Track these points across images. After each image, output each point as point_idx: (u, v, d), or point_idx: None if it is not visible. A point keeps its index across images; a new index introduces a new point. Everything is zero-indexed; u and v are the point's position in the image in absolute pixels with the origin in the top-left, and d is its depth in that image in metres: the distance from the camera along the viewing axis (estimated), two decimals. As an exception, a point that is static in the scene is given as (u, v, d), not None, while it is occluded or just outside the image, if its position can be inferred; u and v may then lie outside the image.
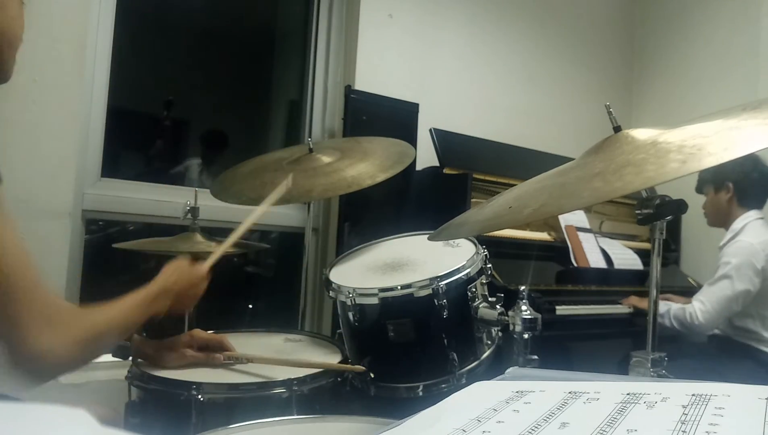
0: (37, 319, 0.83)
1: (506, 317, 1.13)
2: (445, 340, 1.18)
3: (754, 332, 2.30)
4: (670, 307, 2.35)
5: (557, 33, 3.37)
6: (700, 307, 2.26)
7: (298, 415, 1.02)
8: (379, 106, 2.52)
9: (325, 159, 1.61)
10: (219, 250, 1.24)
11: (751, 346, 2.31)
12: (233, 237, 1.27)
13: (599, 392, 0.54)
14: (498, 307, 1.18)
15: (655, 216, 0.98)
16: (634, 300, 2.49)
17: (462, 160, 2.51)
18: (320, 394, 1.13)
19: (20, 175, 1.81)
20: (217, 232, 1.95)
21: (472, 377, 1.19)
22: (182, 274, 1.11)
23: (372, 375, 1.21)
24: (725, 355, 2.40)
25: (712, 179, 2.46)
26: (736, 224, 2.38)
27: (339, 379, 1.19)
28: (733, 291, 2.24)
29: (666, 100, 3.58)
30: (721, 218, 2.46)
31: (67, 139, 1.90)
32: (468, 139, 2.69)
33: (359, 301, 1.20)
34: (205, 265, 1.16)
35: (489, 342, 1.26)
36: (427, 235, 1.22)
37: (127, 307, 1.00)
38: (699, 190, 2.52)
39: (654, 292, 1.03)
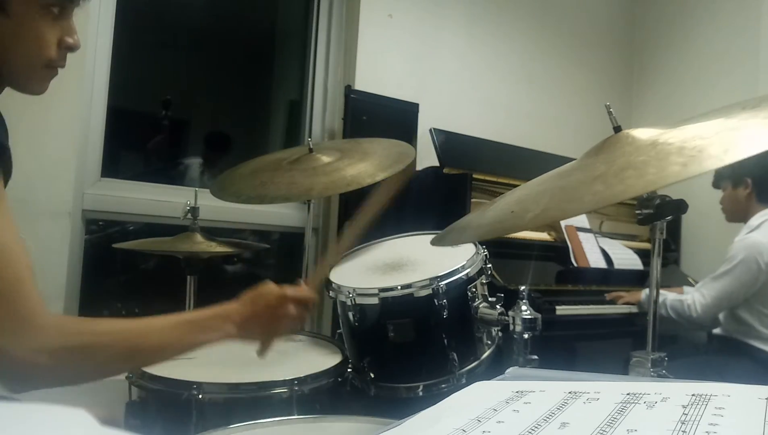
0: (12, 320, 0.78)
1: (506, 317, 1.13)
2: (445, 340, 1.18)
3: (750, 326, 2.30)
4: (666, 297, 2.35)
5: (557, 33, 3.37)
6: (701, 300, 2.27)
7: (298, 415, 1.02)
8: (379, 106, 2.52)
9: (325, 159, 1.61)
10: (322, 268, 1.22)
11: (749, 344, 2.31)
12: (338, 249, 1.24)
13: (599, 392, 0.55)
14: (498, 307, 1.19)
15: (655, 216, 0.99)
16: (624, 295, 2.49)
17: (462, 160, 2.51)
18: (320, 394, 1.13)
19: (20, 175, 1.80)
20: (217, 232, 1.95)
21: (472, 377, 1.19)
22: (255, 297, 1.01)
23: (372, 375, 1.21)
24: (724, 354, 2.40)
25: (730, 175, 2.41)
26: (753, 221, 2.35)
27: (339, 379, 1.19)
28: (734, 287, 2.25)
29: (666, 100, 3.58)
30: (739, 214, 2.42)
31: (67, 139, 1.90)
32: (468, 139, 2.69)
33: (359, 301, 1.20)
34: (288, 288, 1.05)
35: (489, 342, 1.26)
36: (431, 240, 1.22)
37: (163, 325, 0.92)
38: (716, 185, 2.48)
39: (654, 293, 1.04)
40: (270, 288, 1.02)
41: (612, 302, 2.50)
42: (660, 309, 2.33)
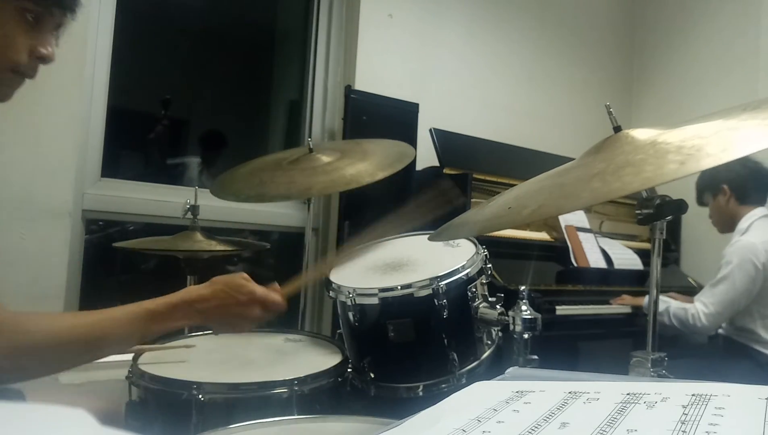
0: None
1: (506, 317, 1.13)
2: (445, 340, 1.18)
3: (753, 332, 2.29)
4: (669, 305, 2.34)
5: (557, 33, 3.37)
6: (703, 310, 2.26)
7: (298, 415, 1.02)
8: (379, 106, 2.52)
9: (325, 158, 1.61)
10: (298, 281, 1.18)
11: (749, 346, 2.30)
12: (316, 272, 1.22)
13: (599, 392, 0.55)
14: (498, 307, 1.18)
15: (655, 216, 0.98)
16: (628, 299, 2.50)
17: (462, 160, 2.51)
18: (320, 394, 1.13)
19: (20, 175, 1.81)
20: (217, 231, 1.95)
21: (472, 377, 1.19)
22: (227, 289, 1.00)
23: (372, 375, 1.21)
24: (725, 354, 2.40)
25: (708, 186, 2.47)
26: (742, 224, 2.37)
27: (339, 379, 1.19)
28: (735, 292, 2.24)
29: (666, 100, 3.58)
30: (727, 222, 2.44)
31: (67, 139, 1.90)
32: (468, 139, 2.69)
33: (359, 301, 1.20)
34: (259, 288, 1.04)
35: (489, 342, 1.25)
36: (428, 236, 1.22)
37: (123, 317, 0.92)
38: (700, 201, 2.52)
39: (654, 292, 1.03)
40: (242, 283, 1.01)
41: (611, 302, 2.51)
42: (662, 317, 2.32)
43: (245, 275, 1.03)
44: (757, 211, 2.38)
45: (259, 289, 1.02)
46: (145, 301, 0.94)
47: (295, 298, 2.14)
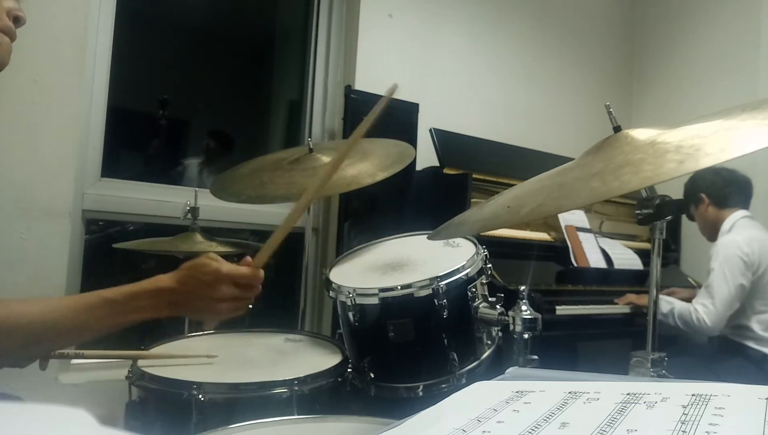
0: None
1: (506, 317, 1.13)
2: (445, 340, 1.18)
3: (747, 328, 2.33)
4: (674, 307, 2.36)
5: (557, 33, 3.37)
6: (705, 310, 2.29)
7: (298, 415, 1.02)
8: (379, 106, 2.52)
9: (325, 159, 1.61)
10: (269, 245, 1.09)
11: (743, 343, 2.34)
12: (281, 231, 1.11)
13: (599, 392, 0.55)
14: (498, 307, 1.19)
15: (655, 216, 0.99)
16: (632, 298, 2.51)
17: (462, 160, 2.51)
18: (320, 394, 1.13)
19: (20, 175, 1.81)
20: (217, 231, 1.96)
21: (472, 377, 1.19)
22: (192, 272, 0.94)
23: (372, 375, 1.21)
24: (720, 353, 2.42)
25: (690, 198, 2.53)
26: (725, 226, 2.44)
27: (339, 379, 1.19)
28: (729, 287, 2.28)
29: (666, 100, 3.58)
30: (712, 227, 2.51)
31: (67, 139, 1.90)
32: (468, 139, 2.69)
33: (359, 301, 1.20)
34: (225, 265, 0.96)
35: (489, 342, 1.26)
36: (427, 235, 1.23)
37: (78, 306, 0.87)
38: (689, 216, 2.59)
39: (654, 292, 1.04)
40: (205, 262, 0.95)
41: (612, 302, 2.51)
42: (667, 319, 2.35)
43: (212, 254, 0.97)
44: (739, 214, 2.44)
45: (225, 266, 0.95)
46: (103, 290, 0.89)
47: (295, 298, 2.15)
